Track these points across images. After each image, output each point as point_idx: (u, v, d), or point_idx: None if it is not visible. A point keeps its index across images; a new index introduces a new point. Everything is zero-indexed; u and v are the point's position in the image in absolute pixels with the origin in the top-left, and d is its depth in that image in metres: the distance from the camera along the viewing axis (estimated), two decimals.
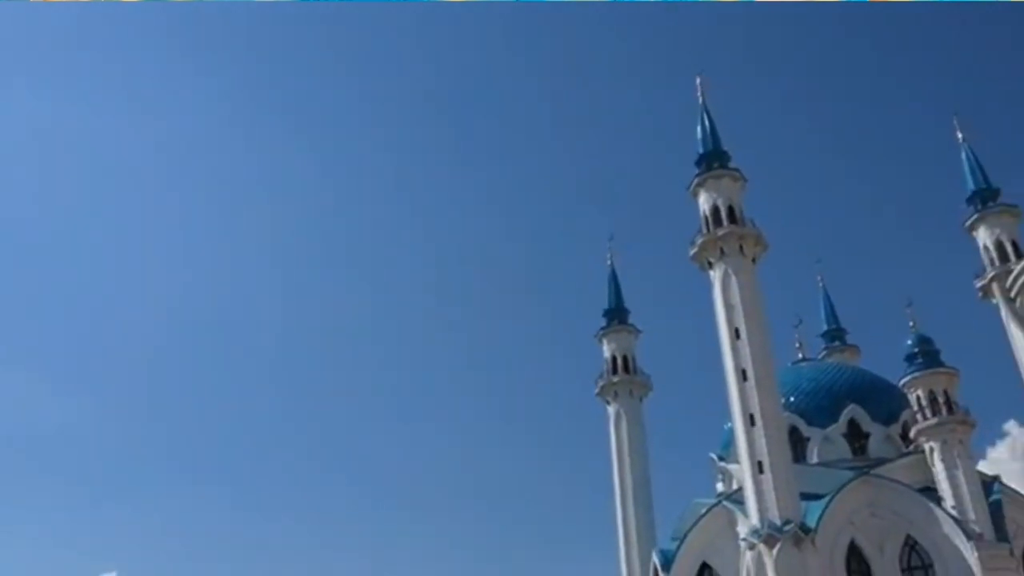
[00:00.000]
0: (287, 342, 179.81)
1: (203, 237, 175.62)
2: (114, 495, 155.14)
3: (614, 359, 79.83)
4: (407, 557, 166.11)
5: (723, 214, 65.22)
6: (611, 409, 78.61)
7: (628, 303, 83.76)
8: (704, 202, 66.52)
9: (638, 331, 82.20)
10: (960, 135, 74.04)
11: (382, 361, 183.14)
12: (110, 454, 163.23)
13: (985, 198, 69.09)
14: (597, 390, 79.56)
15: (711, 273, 64.72)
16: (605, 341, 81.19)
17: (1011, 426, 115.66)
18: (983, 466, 66.16)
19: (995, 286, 64.28)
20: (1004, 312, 63.95)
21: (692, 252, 65.74)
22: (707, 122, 70.26)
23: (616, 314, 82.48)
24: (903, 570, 56.43)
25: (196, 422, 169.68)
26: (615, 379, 78.56)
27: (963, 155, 72.91)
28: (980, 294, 65.99)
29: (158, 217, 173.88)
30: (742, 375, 59.90)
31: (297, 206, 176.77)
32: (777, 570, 53.33)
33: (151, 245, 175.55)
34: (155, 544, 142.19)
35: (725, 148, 68.89)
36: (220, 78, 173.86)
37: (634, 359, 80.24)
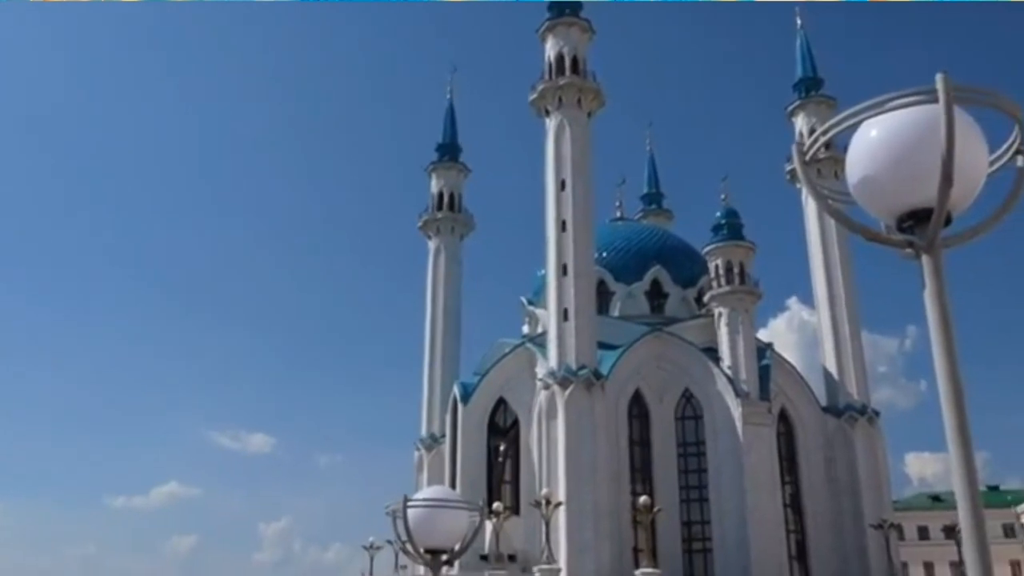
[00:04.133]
0: (104, 138, 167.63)
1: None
2: None
3: (440, 195, 79.69)
4: (220, 365, 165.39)
5: (567, 64, 65.13)
6: (432, 244, 79.17)
7: (462, 141, 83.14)
8: (551, 48, 66.04)
9: (468, 170, 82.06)
10: (799, 21, 76.45)
11: (204, 174, 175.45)
12: None
13: (809, 87, 72.44)
14: (420, 224, 79.60)
15: (547, 121, 65.12)
16: (434, 176, 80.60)
17: (793, 302, 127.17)
18: (763, 334, 72.85)
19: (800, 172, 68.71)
20: (803, 195, 68.68)
21: (531, 98, 65.64)
22: None
23: (448, 150, 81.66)
24: (677, 418, 62.13)
25: None
26: (439, 215, 78.73)
27: (798, 42, 75.57)
28: (788, 178, 70.30)
29: None
30: (562, 226, 61.81)
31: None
32: (567, 410, 57.33)
33: None
34: None
35: None
36: None
37: (460, 197, 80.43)
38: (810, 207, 69.09)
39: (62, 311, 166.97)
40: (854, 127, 3.37)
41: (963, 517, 3.15)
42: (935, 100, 3.06)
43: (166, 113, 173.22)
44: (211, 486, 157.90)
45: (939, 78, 3.02)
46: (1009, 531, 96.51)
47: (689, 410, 62.14)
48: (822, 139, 3.56)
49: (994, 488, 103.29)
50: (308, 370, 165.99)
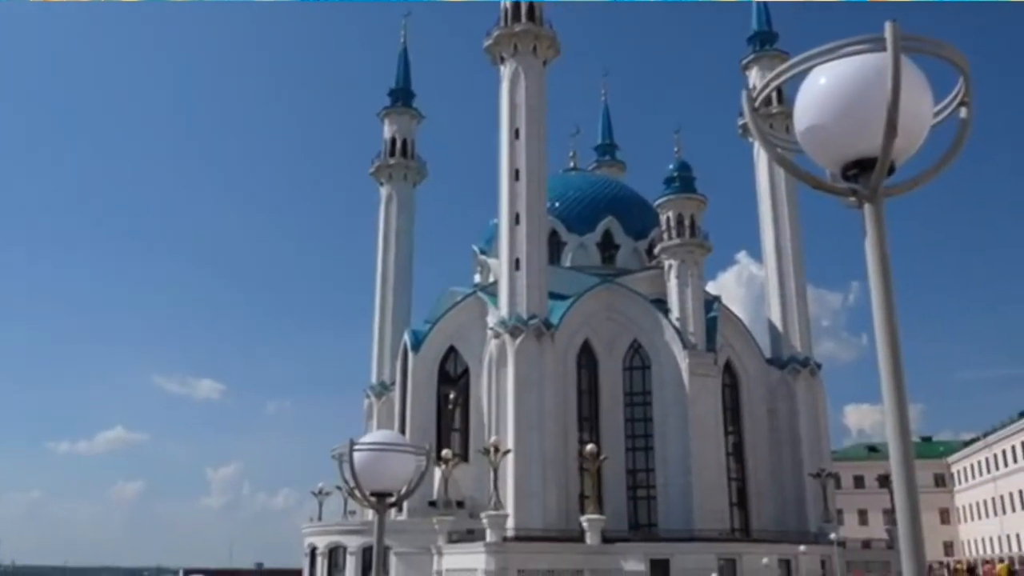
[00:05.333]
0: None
1: None
2: None
3: (393, 141, 78.72)
4: (168, 310, 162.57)
5: (523, 10, 64.31)
6: (384, 191, 78.41)
7: (416, 87, 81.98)
8: None
9: (421, 116, 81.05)
10: None
11: (160, 121, 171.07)
12: None
13: (764, 41, 72.55)
14: (372, 170, 78.70)
15: (502, 68, 64.43)
16: (387, 121, 79.51)
17: (742, 256, 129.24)
18: (712, 287, 73.75)
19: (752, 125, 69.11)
20: (756, 149, 69.27)
21: (487, 44, 64.80)
22: None
23: (401, 95, 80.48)
24: (625, 368, 62.99)
25: None
26: (391, 161, 77.86)
27: None
28: (740, 132, 70.73)
29: None
30: (515, 175, 61.58)
31: None
32: (517, 359, 57.75)
33: None
34: None
35: None
36: None
37: (413, 143, 79.57)
38: (761, 161, 69.73)
39: (5, 254, 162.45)
40: (804, 76, 3.37)
41: (895, 465, 3.23)
42: (883, 48, 3.07)
43: (129, 64, 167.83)
44: (158, 431, 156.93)
45: (888, 26, 3.02)
46: (940, 480, 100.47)
47: (637, 360, 63.01)
48: (773, 84, 3.56)
49: (927, 439, 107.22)
50: (258, 316, 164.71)
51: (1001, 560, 68.16)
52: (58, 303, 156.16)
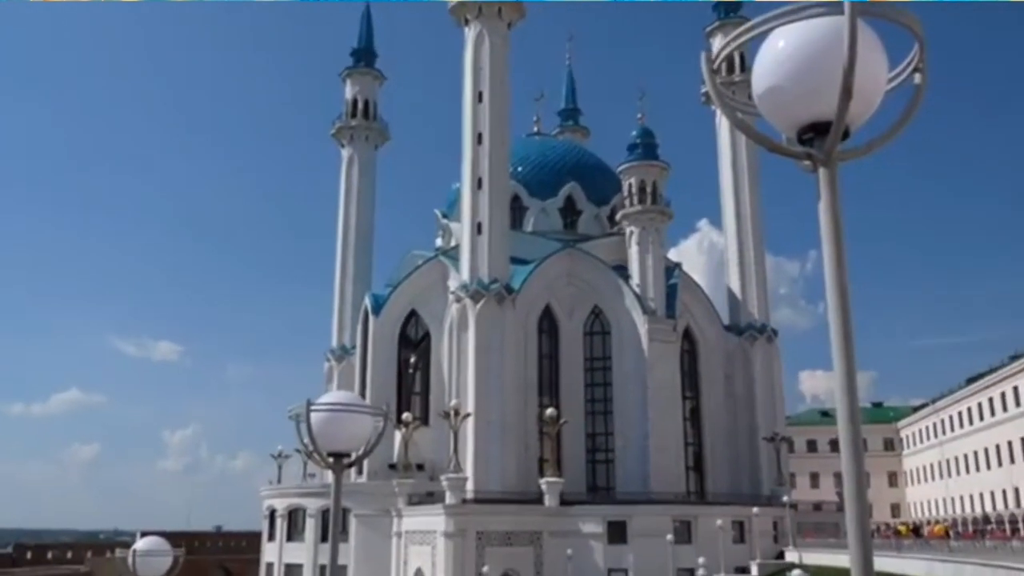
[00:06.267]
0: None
1: None
2: None
3: (355, 102, 77.74)
4: (126, 270, 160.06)
5: None
6: (345, 153, 77.57)
7: (380, 48, 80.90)
8: None
9: (384, 77, 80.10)
10: None
11: (123, 77, 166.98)
12: None
13: (728, 8, 72.45)
14: (333, 131, 77.77)
15: (466, 31, 63.73)
16: (348, 82, 78.45)
17: (703, 224, 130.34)
18: (673, 254, 74.25)
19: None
20: (717, 116, 69.51)
21: (451, 5, 64.00)
22: None
23: (364, 55, 79.38)
24: (585, 333, 63.41)
25: None
26: (353, 123, 76.98)
27: None
28: (703, 99, 70.80)
29: None
30: (478, 138, 61.24)
31: None
32: (478, 323, 57.86)
33: None
34: None
35: None
36: None
37: (375, 105, 78.69)
38: (723, 129, 70.01)
39: None
40: (763, 39, 3.37)
41: (841, 429, 3.29)
42: (841, 12, 3.08)
43: (96, 23, 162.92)
44: (114, 393, 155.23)
45: None
46: (889, 445, 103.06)
47: (597, 326, 63.44)
48: (732, 45, 3.56)
49: (878, 405, 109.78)
50: (218, 279, 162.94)
51: (939, 522, 70.30)
52: (10, 261, 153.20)
